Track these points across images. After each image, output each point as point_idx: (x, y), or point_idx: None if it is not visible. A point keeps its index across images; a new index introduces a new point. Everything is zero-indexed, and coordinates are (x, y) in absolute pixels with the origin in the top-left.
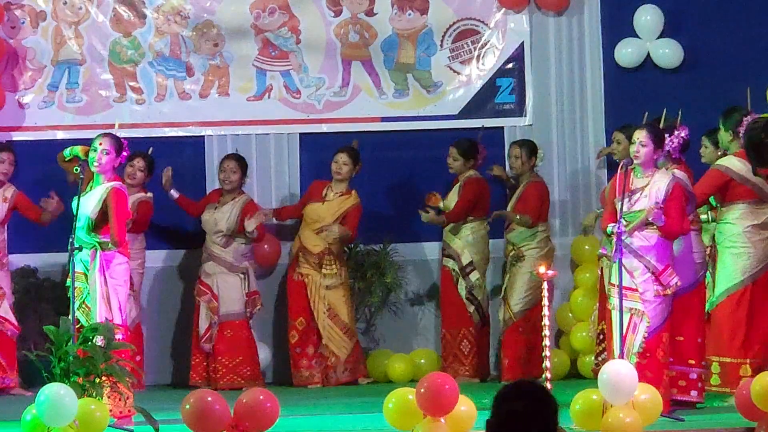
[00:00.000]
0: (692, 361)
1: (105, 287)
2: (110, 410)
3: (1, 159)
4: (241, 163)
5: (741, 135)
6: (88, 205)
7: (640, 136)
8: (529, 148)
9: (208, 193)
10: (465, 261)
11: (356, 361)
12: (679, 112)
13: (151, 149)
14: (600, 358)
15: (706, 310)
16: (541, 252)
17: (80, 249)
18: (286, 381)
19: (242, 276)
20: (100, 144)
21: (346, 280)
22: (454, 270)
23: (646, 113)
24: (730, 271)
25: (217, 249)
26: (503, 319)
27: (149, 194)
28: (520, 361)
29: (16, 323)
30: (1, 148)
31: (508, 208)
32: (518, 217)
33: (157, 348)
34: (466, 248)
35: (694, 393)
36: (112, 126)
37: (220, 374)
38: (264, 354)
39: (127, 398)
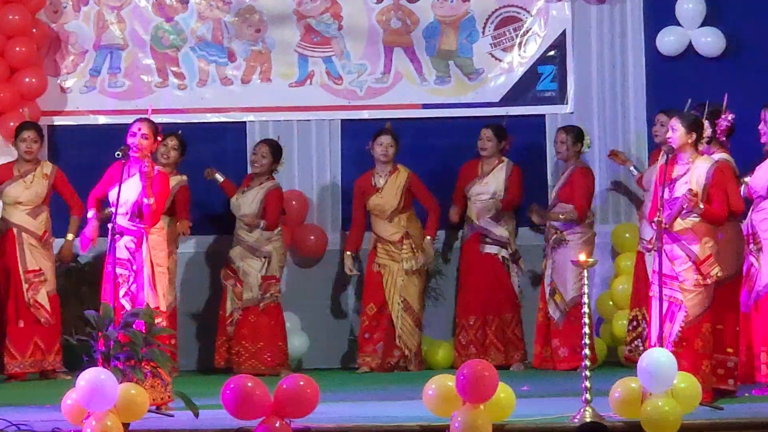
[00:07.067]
0: (730, 350)
1: (152, 273)
2: (151, 396)
3: (23, 138)
4: (274, 148)
5: None
6: (131, 191)
7: (672, 122)
8: (576, 133)
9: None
10: (513, 248)
11: (422, 352)
12: (725, 96)
13: (180, 131)
14: (633, 345)
15: (754, 299)
16: (583, 237)
17: (122, 234)
18: (328, 367)
19: (264, 260)
20: (139, 129)
21: (423, 268)
22: (504, 258)
23: (689, 100)
24: None
25: (243, 233)
26: (559, 309)
27: (184, 177)
28: (576, 350)
29: (49, 311)
30: (28, 126)
31: (553, 193)
32: (562, 216)
33: (184, 333)
34: (511, 236)
35: (731, 382)
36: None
37: (242, 358)
38: (300, 342)
39: (167, 384)
